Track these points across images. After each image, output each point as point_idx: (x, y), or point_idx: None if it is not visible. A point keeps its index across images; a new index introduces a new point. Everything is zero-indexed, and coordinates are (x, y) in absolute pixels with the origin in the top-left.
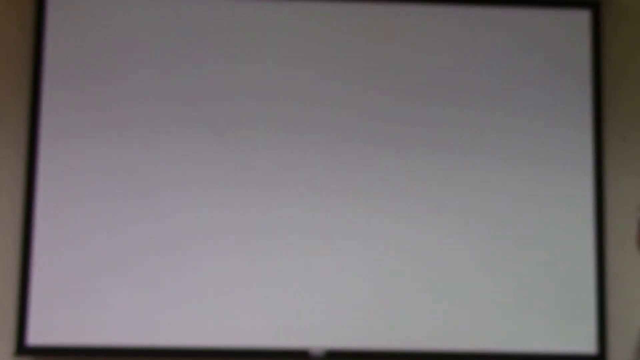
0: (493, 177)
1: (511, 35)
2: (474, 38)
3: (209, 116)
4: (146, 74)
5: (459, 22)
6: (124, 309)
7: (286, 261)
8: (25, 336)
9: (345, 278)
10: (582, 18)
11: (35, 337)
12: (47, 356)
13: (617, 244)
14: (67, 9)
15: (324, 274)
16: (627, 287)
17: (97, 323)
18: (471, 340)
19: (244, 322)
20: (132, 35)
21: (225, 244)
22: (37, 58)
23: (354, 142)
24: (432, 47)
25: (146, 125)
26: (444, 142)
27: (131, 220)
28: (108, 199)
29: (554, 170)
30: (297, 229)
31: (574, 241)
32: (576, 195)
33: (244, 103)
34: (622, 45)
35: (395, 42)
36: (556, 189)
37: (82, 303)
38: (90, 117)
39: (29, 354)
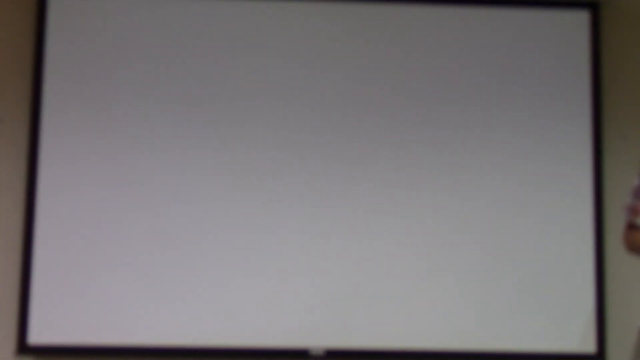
0: (492, 176)
1: (510, 35)
2: (473, 38)
3: (210, 115)
4: (147, 74)
5: (459, 23)
6: (125, 308)
7: (286, 261)
8: (26, 335)
9: (346, 278)
10: (581, 18)
11: (36, 336)
12: (48, 355)
13: (616, 243)
14: (68, 10)
15: (324, 274)
16: (626, 287)
17: (98, 322)
18: (471, 339)
19: (245, 321)
20: (132, 36)
21: (226, 243)
22: (39, 58)
23: (353, 141)
24: (432, 47)
25: (146, 125)
26: (442, 141)
27: (132, 219)
28: (109, 198)
29: (553, 170)
30: (298, 228)
31: (573, 240)
32: (575, 194)
33: (245, 102)
34: (620, 45)
35: (395, 42)
36: (555, 188)
37: (84, 302)
38: (91, 116)
39: (30, 354)
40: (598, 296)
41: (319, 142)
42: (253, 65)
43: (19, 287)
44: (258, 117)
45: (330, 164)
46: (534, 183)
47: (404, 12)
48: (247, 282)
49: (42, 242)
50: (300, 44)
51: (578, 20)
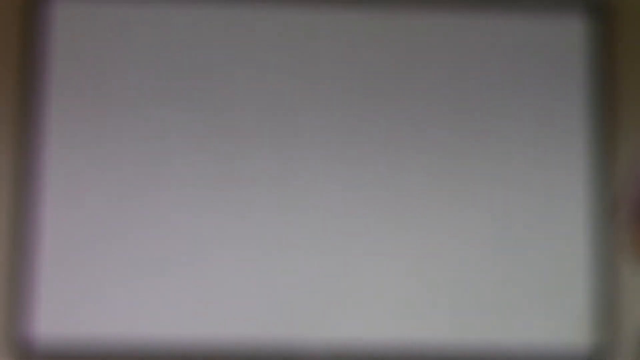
0: (491, 179)
1: (508, 40)
2: (471, 43)
3: (212, 119)
4: (150, 79)
5: (459, 29)
6: (125, 307)
7: (286, 261)
8: (27, 335)
9: (346, 277)
10: (579, 23)
11: (37, 335)
12: (48, 355)
13: (615, 242)
14: (71, 13)
15: (325, 273)
16: (626, 285)
17: (99, 322)
18: (470, 337)
19: (245, 321)
20: (135, 41)
21: (226, 243)
22: (41, 62)
23: (353, 145)
24: (431, 52)
25: (147, 128)
26: (442, 144)
27: (133, 220)
28: (109, 197)
29: (551, 172)
30: (298, 227)
31: (573, 240)
32: (573, 195)
33: (247, 107)
34: (619, 49)
35: (394, 48)
36: (554, 189)
37: (84, 302)
38: (92, 121)
39: (30, 353)
40: (598, 295)
41: (319, 146)
42: (256, 70)
43: (20, 287)
44: (258, 118)
45: (330, 166)
46: (532, 185)
47: (403, 18)
48: (249, 283)
49: (42, 241)
50: (302, 51)
51: (576, 25)
